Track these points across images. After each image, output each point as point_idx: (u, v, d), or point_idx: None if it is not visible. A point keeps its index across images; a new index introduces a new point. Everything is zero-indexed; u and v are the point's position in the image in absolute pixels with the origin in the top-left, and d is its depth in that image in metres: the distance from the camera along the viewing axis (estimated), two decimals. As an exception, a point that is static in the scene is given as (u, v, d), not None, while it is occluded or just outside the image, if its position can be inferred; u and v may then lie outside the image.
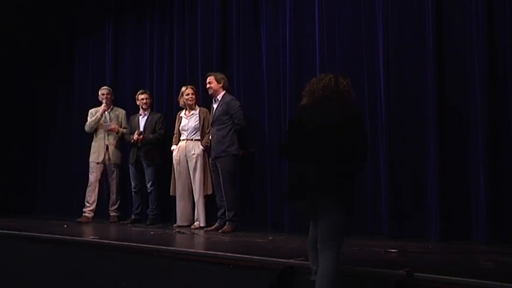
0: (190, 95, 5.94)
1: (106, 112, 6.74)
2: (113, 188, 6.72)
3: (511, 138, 4.30)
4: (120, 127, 6.70)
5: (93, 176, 6.73)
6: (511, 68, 4.32)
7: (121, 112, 6.83)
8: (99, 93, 6.83)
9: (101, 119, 6.70)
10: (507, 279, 2.73)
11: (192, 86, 6.03)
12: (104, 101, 6.76)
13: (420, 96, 4.76)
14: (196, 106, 6.01)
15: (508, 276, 2.98)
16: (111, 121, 6.70)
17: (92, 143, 6.79)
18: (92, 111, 6.84)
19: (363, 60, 5.15)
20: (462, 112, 4.55)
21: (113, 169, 6.72)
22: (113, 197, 6.73)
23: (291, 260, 3.39)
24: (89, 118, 6.79)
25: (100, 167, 6.73)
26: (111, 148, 6.70)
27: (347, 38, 5.29)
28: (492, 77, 4.37)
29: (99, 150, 6.71)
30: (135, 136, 6.28)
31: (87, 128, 6.78)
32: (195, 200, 5.83)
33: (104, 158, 6.70)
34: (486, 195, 4.26)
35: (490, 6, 4.42)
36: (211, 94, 5.64)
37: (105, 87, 6.90)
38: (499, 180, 4.29)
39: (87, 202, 6.72)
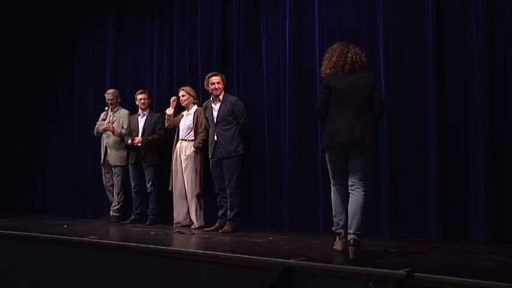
0: (182, 97, 5.99)
1: (109, 114, 6.76)
2: (116, 189, 6.71)
3: (511, 138, 4.30)
4: (122, 128, 6.68)
5: (104, 179, 6.86)
6: (511, 68, 4.32)
7: (123, 113, 6.80)
8: (105, 96, 6.84)
9: (101, 123, 6.71)
10: (507, 279, 2.72)
11: (184, 87, 6.05)
12: (109, 104, 6.79)
13: (420, 96, 4.76)
14: (195, 106, 6.02)
15: (508, 276, 2.98)
16: (112, 123, 6.70)
17: None
18: (101, 115, 6.87)
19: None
20: (462, 112, 4.55)
21: (113, 170, 6.72)
22: (116, 197, 6.71)
23: (291, 260, 3.38)
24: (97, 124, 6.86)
25: (106, 169, 6.81)
26: (110, 150, 6.70)
27: (347, 38, 5.27)
28: (492, 77, 4.37)
29: (102, 153, 6.77)
30: (129, 141, 6.31)
31: (94, 133, 6.88)
32: (188, 200, 5.85)
33: (104, 160, 6.75)
34: (486, 195, 4.26)
35: (490, 6, 4.43)
36: (217, 94, 5.63)
37: (111, 90, 6.90)
38: (499, 180, 4.29)
39: (111, 202, 6.82)
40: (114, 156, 6.68)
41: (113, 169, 6.74)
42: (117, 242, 4.61)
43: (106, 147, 6.73)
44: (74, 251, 4.62)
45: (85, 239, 4.74)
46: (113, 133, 6.63)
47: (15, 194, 8.34)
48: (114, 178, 6.75)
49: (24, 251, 5.00)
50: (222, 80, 5.63)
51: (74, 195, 7.70)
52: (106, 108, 6.79)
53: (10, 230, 5.36)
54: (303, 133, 5.45)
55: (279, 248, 4.29)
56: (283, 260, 3.41)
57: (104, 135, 6.77)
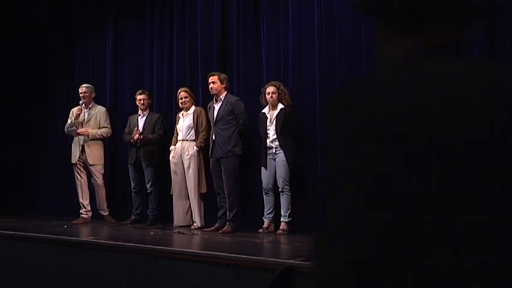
0: (184, 99, 5.94)
1: (83, 112, 6.55)
2: (97, 189, 6.55)
3: (511, 138, 4.29)
4: (99, 127, 6.49)
5: (76, 177, 6.62)
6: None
7: (99, 110, 6.60)
8: (79, 90, 6.64)
9: (75, 122, 6.48)
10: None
11: (186, 89, 6.00)
12: (82, 99, 6.57)
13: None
14: (193, 106, 6.01)
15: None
16: (85, 122, 6.50)
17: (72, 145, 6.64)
18: (73, 110, 6.61)
19: (363, 58, 5.16)
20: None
21: (92, 170, 6.53)
22: (99, 198, 6.57)
23: (291, 260, 3.39)
24: (69, 119, 6.61)
25: (79, 168, 6.56)
26: (87, 149, 6.49)
27: (347, 37, 5.29)
28: (492, 77, 4.36)
29: (75, 152, 6.56)
30: (136, 136, 6.25)
31: (65, 130, 6.63)
32: (191, 200, 5.83)
33: (78, 159, 6.52)
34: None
35: (490, 6, 4.42)
36: (214, 94, 5.62)
37: (85, 84, 6.69)
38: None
39: (81, 203, 6.63)
40: (92, 155, 6.47)
41: (90, 169, 6.52)
42: (117, 242, 4.61)
43: (82, 146, 6.48)
44: (74, 251, 4.62)
45: (85, 239, 4.74)
46: (88, 136, 6.43)
47: (14, 194, 8.33)
48: (92, 178, 6.55)
49: (24, 251, 5.00)
50: (219, 79, 5.60)
51: (74, 196, 7.68)
52: (80, 102, 6.52)
53: (10, 230, 5.36)
54: (302, 133, 5.44)
55: (279, 248, 4.29)
56: (283, 260, 3.41)
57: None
